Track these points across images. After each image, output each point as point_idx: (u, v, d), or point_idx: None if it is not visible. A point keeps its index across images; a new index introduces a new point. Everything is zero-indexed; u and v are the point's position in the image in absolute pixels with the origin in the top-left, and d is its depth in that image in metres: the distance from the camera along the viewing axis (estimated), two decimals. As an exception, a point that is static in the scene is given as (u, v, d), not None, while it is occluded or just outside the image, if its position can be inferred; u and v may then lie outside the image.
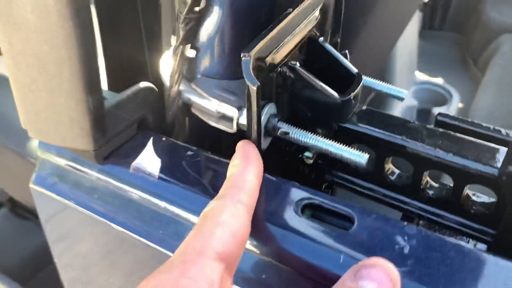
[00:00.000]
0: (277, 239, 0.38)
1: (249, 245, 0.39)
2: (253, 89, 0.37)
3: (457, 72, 1.63)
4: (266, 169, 0.40)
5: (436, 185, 0.45)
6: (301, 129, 0.43)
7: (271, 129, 0.43)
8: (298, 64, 0.43)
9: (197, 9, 0.41)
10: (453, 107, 1.45)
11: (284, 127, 0.43)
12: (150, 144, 0.46)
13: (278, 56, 0.42)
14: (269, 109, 0.42)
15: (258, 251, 0.38)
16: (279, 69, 0.43)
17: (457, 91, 1.49)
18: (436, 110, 1.43)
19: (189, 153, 0.45)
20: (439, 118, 0.45)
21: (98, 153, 0.44)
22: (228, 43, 0.44)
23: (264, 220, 0.38)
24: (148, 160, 0.45)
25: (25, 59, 0.39)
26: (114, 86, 0.56)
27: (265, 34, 0.39)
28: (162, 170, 0.43)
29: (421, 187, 0.45)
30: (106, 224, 0.45)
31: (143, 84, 0.47)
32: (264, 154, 0.41)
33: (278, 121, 0.43)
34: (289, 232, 0.38)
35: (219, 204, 0.34)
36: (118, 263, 0.51)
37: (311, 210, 0.40)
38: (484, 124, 0.45)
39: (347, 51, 0.50)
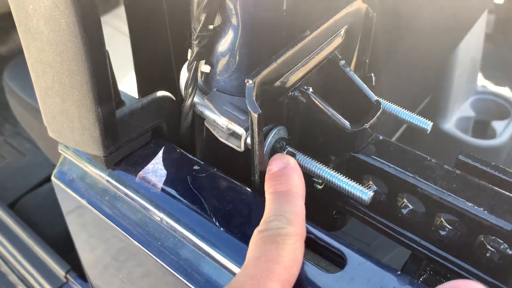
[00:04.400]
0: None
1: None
2: (254, 116, 0.36)
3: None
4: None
5: (449, 227, 0.42)
6: (307, 156, 0.42)
7: (276, 153, 0.42)
8: (311, 89, 0.41)
9: (210, 27, 0.40)
10: (515, 121, 1.34)
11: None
12: (160, 153, 0.47)
13: (291, 79, 0.41)
14: (276, 133, 0.41)
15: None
16: (291, 93, 0.41)
17: (521, 103, 1.38)
18: (495, 123, 1.33)
19: (195, 167, 0.45)
20: (460, 158, 0.42)
21: (108, 159, 0.45)
22: (241, 61, 0.43)
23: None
24: (155, 170, 0.45)
25: (41, 66, 0.40)
26: (144, 93, 0.57)
27: (274, 59, 0.38)
28: (165, 182, 0.44)
29: (433, 228, 0.42)
30: (113, 227, 0.47)
31: (160, 93, 0.47)
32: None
33: (285, 145, 0.42)
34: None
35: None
36: (128, 266, 0.52)
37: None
38: (510, 170, 0.41)
39: (372, 74, 0.48)
